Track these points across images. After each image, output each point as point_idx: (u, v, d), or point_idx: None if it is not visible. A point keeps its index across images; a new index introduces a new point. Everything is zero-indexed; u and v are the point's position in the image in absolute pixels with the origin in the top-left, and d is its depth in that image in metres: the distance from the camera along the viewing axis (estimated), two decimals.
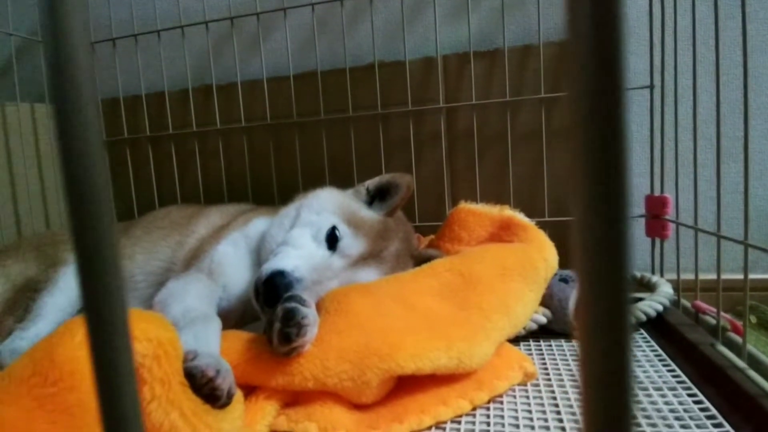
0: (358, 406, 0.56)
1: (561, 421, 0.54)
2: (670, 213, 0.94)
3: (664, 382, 0.62)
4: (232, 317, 0.71)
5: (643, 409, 0.56)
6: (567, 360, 0.70)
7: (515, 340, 0.73)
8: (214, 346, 0.52)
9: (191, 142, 1.19)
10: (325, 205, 0.74)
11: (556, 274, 0.79)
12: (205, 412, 0.42)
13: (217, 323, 0.57)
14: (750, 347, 0.63)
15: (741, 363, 0.61)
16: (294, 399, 0.55)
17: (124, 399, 0.15)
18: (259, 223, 0.80)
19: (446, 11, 1.08)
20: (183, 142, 1.20)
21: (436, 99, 1.07)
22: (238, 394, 0.49)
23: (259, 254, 0.75)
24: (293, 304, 0.53)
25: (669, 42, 0.89)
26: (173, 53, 1.17)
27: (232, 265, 0.74)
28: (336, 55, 1.11)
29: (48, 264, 0.80)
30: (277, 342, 0.52)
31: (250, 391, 0.54)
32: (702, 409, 0.55)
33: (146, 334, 0.39)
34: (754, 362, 0.61)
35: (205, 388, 0.43)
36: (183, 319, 0.56)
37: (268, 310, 0.59)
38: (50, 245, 0.85)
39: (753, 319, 0.90)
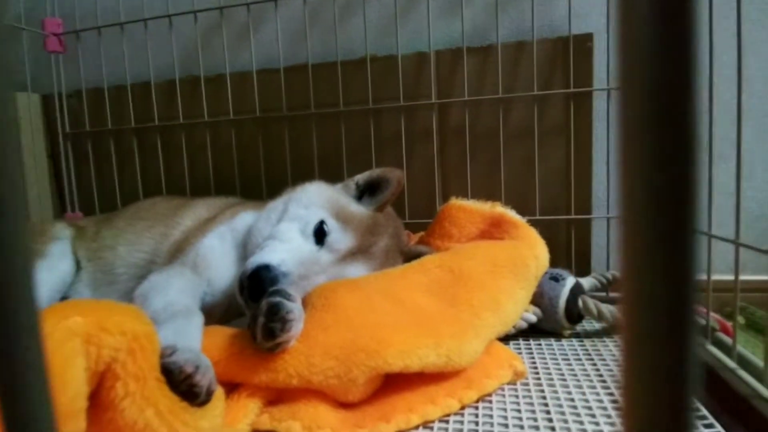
0: (344, 405, 0.54)
1: (551, 420, 0.53)
2: None
3: None
4: (217, 312, 0.69)
5: None
6: (557, 359, 0.69)
7: (505, 339, 0.72)
8: (195, 341, 0.50)
9: (178, 135, 1.16)
10: (314, 199, 0.72)
11: (546, 273, 0.78)
12: (183, 410, 0.40)
13: (199, 318, 0.55)
14: (739, 347, 0.63)
15: (731, 363, 0.61)
16: (278, 397, 0.53)
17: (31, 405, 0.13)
18: (246, 217, 0.78)
19: (439, 6, 1.07)
20: (170, 134, 1.17)
21: (429, 95, 1.05)
22: (219, 392, 0.47)
23: (245, 248, 0.73)
24: (278, 299, 0.51)
25: None
26: (160, 43, 1.14)
27: (218, 259, 0.73)
28: (327, 48, 1.09)
29: None
30: (261, 337, 0.50)
31: (232, 388, 0.53)
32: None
33: (120, 327, 0.37)
34: (743, 362, 0.61)
35: (183, 385, 0.41)
36: (164, 313, 0.54)
37: (253, 305, 0.57)
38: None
39: (741, 320, 0.90)
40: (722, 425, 0.51)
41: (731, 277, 0.64)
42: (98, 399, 0.37)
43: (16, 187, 0.13)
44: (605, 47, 0.99)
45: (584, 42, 1.00)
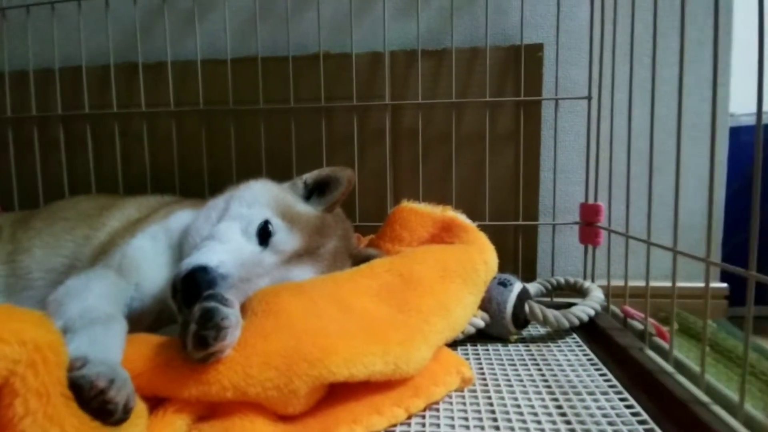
0: (284, 418, 0.51)
1: (498, 428, 0.52)
2: (603, 221, 0.96)
3: (597, 387, 0.62)
4: (146, 320, 0.64)
5: (577, 414, 0.55)
6: (503, 365, 0.69)
7: (453, 344, 0.71)
8: (114, 351, 0.45)
9: (110, 125, 1.08)
10: (258, 198, 0.68)
11: (495, 278, 0.78)
12: (94, 430, 0.36)
13: (120, 325, 0.50)
14: (675, 352, 0.65)
15: (669, 368, 0.62)
16: (210, 412, 0.49)
17: None
18: (182, 216, 0.73)
19: (395, 6, 1.06)
20: (101, 123, 1.08)
21: (382, 95, 1.04)
22: (141, 408, 0.42)
23: (180, 250, 0.68)
24: (212, 304, 0.47)
25: (607, 56, 0.92)
26: (95, 25, 1.06)
27: (148, 261, 0.67)
28: (278, 41, 1.05)
29: None
30: (192, 346, 0.46)
31: (157, 403, 0.48)
32: (634, 414, 0.55)
33: (19, 336, 0.32)
34: (679, 366, 0.63)
35: (95, 402, 0.36)
36: (80, 321, 0.48)
37: (187, 311, 0.52)
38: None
39: (675, 325, 0.94)
40: (663, 430, 0.52)
41: (666, 284, 0.66)
42: None
43: None
44: (554, 58, 1.01)
45: (535, 51, 1.02)
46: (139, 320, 0.62)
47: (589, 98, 1.00)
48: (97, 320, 0.48)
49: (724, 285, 1.07)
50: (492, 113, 1.01)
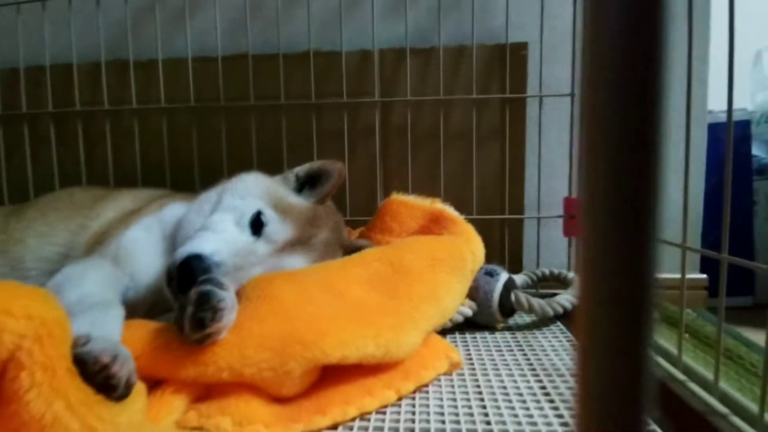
0: (278, 399, 0.52)
1: (485, 408, 0.54)
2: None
3: None
4: (140, 309, 0.65)
5: (560, 394, 0.57)
6: (491, 351, 0.71)
7: (441, 332, 0.73)
8: (114, 332, 0.46)
9: (102, 122, 1.08)
10: (251, 190, 0.69)
11: (482, 268, 0.80)
12: (98, 404, 0.37)
13: (118, 310, 0.51)
14: (654, 337, 0.67)
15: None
16: (206, 392, 0.50)
17: None
18: (175, 208, 0.74)
19: (384, 5, 1.08)
20: (92, 120, 1.09)
21: (372, 93, 1.06)
22: (140, 387, 0.44)
23: (174, 241, 0.69)
24: (209, 287, 0.48)
25: None
26: (85, 23, 1.06)
27: (143, 252, 0.68)
28: (269, 39, 1.06)
29: None
30: (189, 328, 0.47)
31: (155, 384, 0.49)
32: None
33: (26, 311, 0.33)
34: (659, 350, 0.66)
35: (99, 377, 0.37)
36: (79, 306, 0.49)
37: (183, 297, 0.54)
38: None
39: (655, 314, 0.98)
40: None
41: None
42: (0, 391, 0.33)
43: None
44: (539, 56, 1.04)
45: (519, 50, 1.05)
46: (134, 310, 0.63)
47: (572, 95, 1.03)
48: (95, 305, 0.49)
49: (704, 276, 1.10)
50: (479, 110, 1.04)
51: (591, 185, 0.12)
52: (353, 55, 1.05)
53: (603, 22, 0.11)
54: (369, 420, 0.53)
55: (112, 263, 0.65)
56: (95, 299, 0.51)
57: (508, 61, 1.04)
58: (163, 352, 0.49)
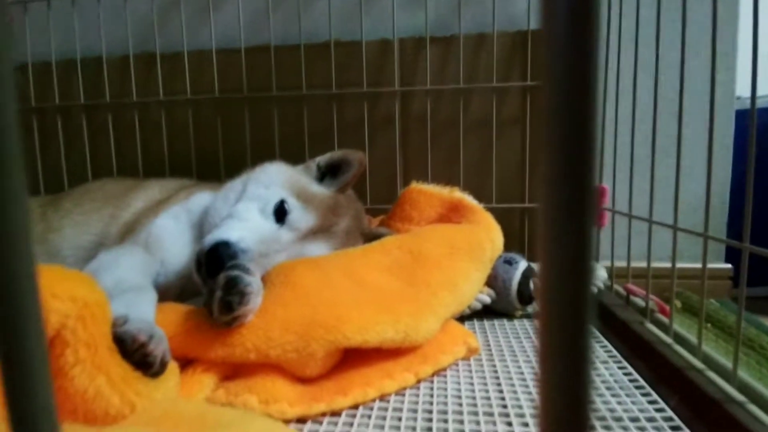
0: (302, 379, 0.55)
1: (501, 392, 0.56)
2: (607, 203, 0.98)
3: (597, 356, 0.65)
4: (170, 294, 0.68)
5: None
6: (508, 337, 0.72)
7: (460, 319, 0.74)
8: (149, 314, 0.49)
9: (131, 113, 1.12)
10: (274, 179, 0.71)
11: (500, 256, 0.81)
12: (137, 380, 0.40)
13: (152, 294, 0.54)
14: (676, 326, 0.67)
15: (668, 339, 0.65)
16: (234, 372, 0.53)
17: (35, 390, 0.13)
18: (202, 197, 0.77)
19: None
20: (122, 112, 1.12)
21: (392, 82, 1.06)
22: (173, 365, 0.46)
23: (201, 229, 0.72)
24: (236, 272, 0.51)
25: (613, 40, 0.93)
26: (114, 17, 1.09)
27: (172, 240, 0.71)
28: (290, 30, 1.07)
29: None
30: (217, 311, 0.50)
31: (186, 364, 0.52)
32: (631, 380, 0.58)
33: (70, 294, 0.36)
34: (679, 340, 0.66)
35: (137, 355, 0.40)
36: (114, 290, 0.52)
37: (211, 282, 0.56)
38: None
39: (678, 303, 0.97)
40: (658, 394, 0.55)
41: (670, 265, 0.68)
42: None
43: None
44: None
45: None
46: (165, 294, 0.66)
47: None
48: (129, 289, 0.52)
49: (729, 266, 1.09)
50: (499, 98, 1.04)
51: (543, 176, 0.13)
52: (373, 44, 1.06)
53: (551, 24, 0.12)
54: (388, 401, 0.54)
55: (143, 250, 0.68)
56: (130, 283, 0.54)
57: (530, 48, 1.03)
58: (193, 333, 0.51)
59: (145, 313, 0.48)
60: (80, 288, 0.37)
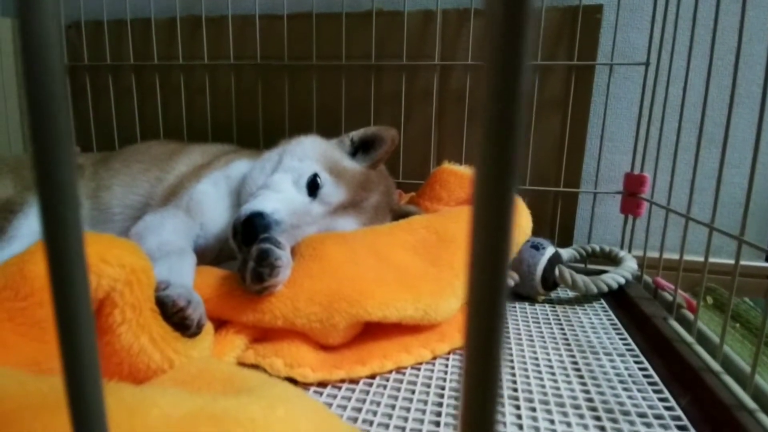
0: (324, 347, 0.58)
1: (514, 375, 0.58)
2: (647, 192, 0.96)
3: (615, 349, 0.65)
4: (208, 255, 0.72)
5: (591, 371, 0.59)
6: (528, 322, 0.73)
7: None
8: (188, 278, 0.53)
9: (177, 75, 1.15)
10: (308, 152, 0.73)
11: (528, 241, 0.81)
12: (175, 339, 0.44)
13: (191, 257, 0.58)
14: (701, 324, 0.67)
15: (689, 337, 0.65)
16: (263, 335, 0.57)
17: (81, 331, 0.15)
18: (240, 165, 0.80)
19: None
20: (168, 74, 1.16)
21: (432, 55, 1.04)
22: (208, 327, 0.50)
23: (238, 196, 0.75)
24: (268, 245, 0.54)
25: (670, 20, 0.88)
26: None
27: (211, 205, 0.75)
28: None
29: (25, 186, 0.79)
30: (249, 280, 0.53)
31: (220, 324, 0.56)
32: (646, 376, 0.59)
33: (119, 260, 0.40)
34: (702, 339, 0.65)
35: (176, 317, 0.44)
36: (158, 252, 0.56)
37: (245, 250, 0.60)
38: (28, 168, 0.84)
39: (710, 300, 0.95)
40: (671, 392, 0.55)
41: (703, 259, 0.67)
42: (97, 324, 0.40)
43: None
44: (614, 21, 0.98)
45: (593, 13, 0.99)
46: (203, 256, 0.71)
47: (647, 64, 0.96)
48: (172, 252, 0.56)
49: (767, 264, 1.04)
50: (542, 77, 1.01)
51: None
52: (415, 15, 1.04)
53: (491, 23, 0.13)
54: (404, 374, 0.58)
55: (185, 213, 0.72)
56: (172, 247, 0.58)
57: (579, 25, 0.99)
58: (227, 297, 0.55)
59: (184, 277, 0.52)
60: (128, 255, 0.41)
